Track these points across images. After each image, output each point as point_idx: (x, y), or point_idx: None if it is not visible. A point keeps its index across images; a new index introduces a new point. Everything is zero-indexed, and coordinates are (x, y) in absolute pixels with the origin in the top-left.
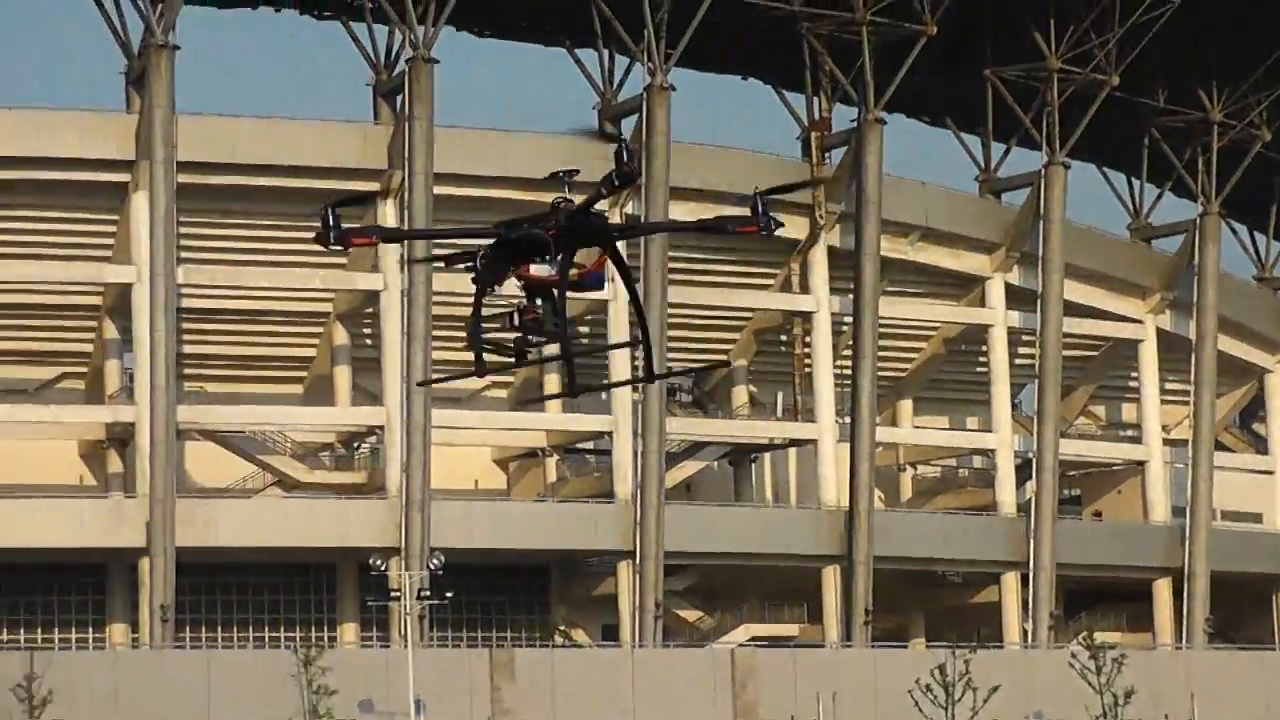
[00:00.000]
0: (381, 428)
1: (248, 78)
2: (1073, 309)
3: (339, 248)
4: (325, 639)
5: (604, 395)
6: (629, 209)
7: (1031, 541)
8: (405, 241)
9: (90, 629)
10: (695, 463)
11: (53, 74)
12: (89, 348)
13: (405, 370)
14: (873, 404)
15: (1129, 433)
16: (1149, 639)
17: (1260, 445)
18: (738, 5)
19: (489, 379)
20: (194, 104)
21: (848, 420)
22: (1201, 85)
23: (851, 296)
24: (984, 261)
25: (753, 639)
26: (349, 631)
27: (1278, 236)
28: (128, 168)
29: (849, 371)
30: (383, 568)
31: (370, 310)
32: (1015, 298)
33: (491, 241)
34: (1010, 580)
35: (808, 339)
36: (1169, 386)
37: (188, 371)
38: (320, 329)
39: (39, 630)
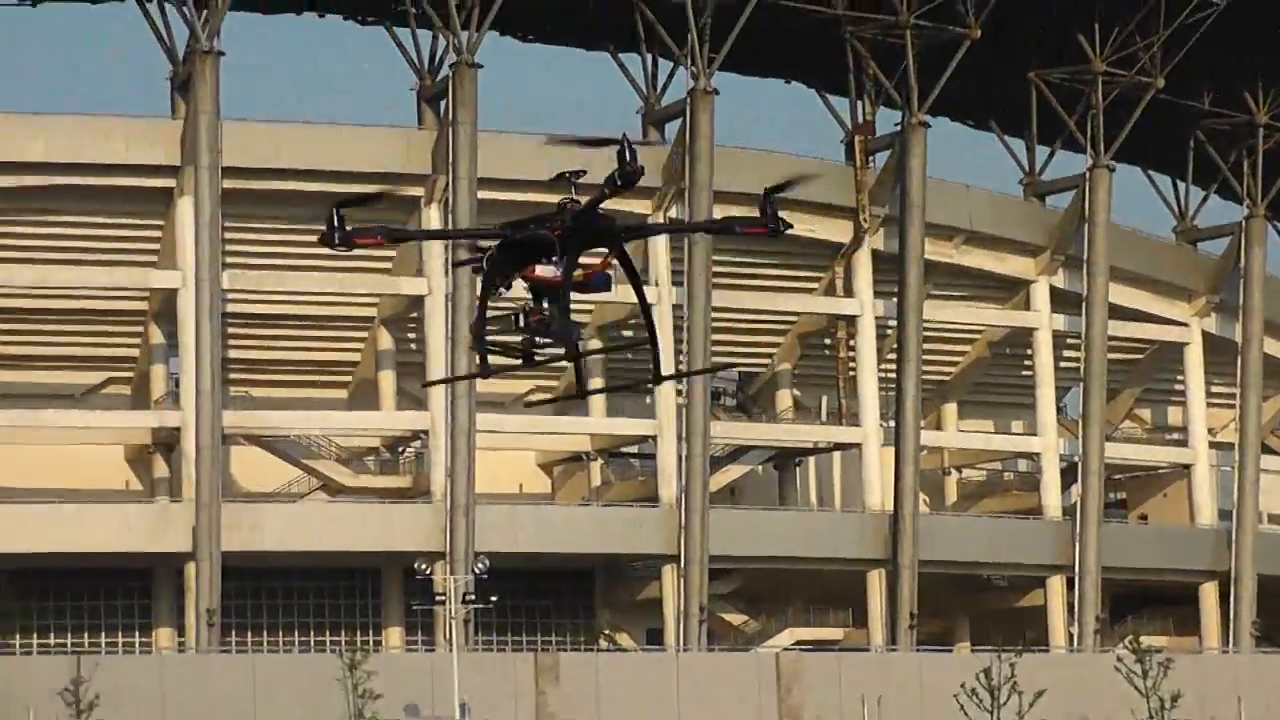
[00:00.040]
0: (426, 432)
1: (292, 83)
2: (1118, 312)
3: (344, 248)
4: (370, 643)
5: (648, 399)
6: (673, 213)
7: (1077, 545)
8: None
9: (136, 633)
10: (739, 466)
11: (99, 80)
12: (135, 353)
13: (450, 374)
14: (917, 407)
15: (1175, 436)
16: (1195, 643)
17: None
18: (781, 9)
19: (532, 384)
20: (238, 109)
21: (892, 424)
22: (1247, 87)
23: (896, 300)
24: (1029, 264)
25: (798, 643)
26: (394, 636)
27: None
28: (173, 173)
29: (893, 375)
30: (428, 572)
31: (415, 314)
32: (1060, 301)
33: (497, 242)
34: (1056, 584)
35: (852, 342)
36: (1215, 389)
37: (233, 376)
38: (365, 333)
39: (85, 634)
